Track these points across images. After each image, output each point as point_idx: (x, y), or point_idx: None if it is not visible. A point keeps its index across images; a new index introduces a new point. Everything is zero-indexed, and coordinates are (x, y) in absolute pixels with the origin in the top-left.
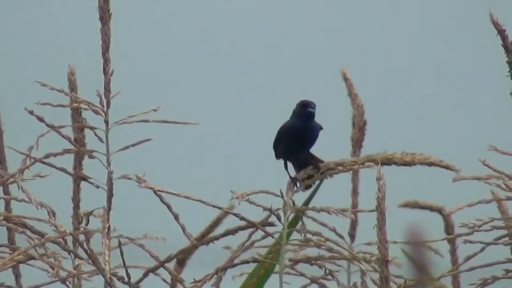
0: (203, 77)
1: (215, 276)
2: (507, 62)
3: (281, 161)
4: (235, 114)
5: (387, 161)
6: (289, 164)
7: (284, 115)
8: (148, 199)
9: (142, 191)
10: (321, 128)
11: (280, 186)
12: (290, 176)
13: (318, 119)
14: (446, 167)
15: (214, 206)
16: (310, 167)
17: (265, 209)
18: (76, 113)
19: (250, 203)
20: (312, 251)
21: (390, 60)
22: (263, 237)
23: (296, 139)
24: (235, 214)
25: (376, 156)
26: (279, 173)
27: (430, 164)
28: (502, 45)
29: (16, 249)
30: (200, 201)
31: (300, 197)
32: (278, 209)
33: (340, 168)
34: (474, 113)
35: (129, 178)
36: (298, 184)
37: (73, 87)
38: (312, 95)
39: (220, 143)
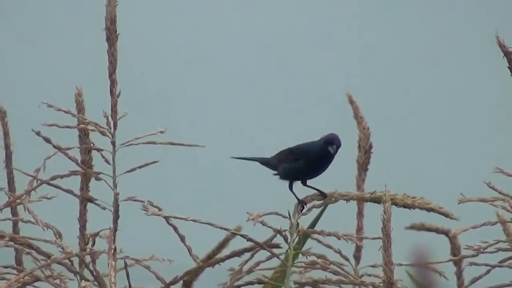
0: (210, 98)
1: None
2: None
3: (286, 182)
4: (241, 134)
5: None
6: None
7: (290, 136)
8: (155, 220)
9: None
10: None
11: (279, 207)
12: (297, 199)
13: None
14: (445, 215)
15: (222, 228)
16: (315, 193)
17: (274, 230)
18: (84, 135)
19: (263, 225)
20: (316, 274)
21: (394, 82)
22: (268, 258)
23: (310, 166)
24: (242, 235)
25: (380, 195)
26: (280, 193)
27: (430, 209)
28: (508, 67)
29: (22, 271)
30: (209, 224)
31: (306, 219)
32: (285, 230)
33: (344, 197)
34: (480, 135)
35: (136, 200)
36: (305, 206)
37: (80, 108)
38: (318, 117)
39: (226, 164)
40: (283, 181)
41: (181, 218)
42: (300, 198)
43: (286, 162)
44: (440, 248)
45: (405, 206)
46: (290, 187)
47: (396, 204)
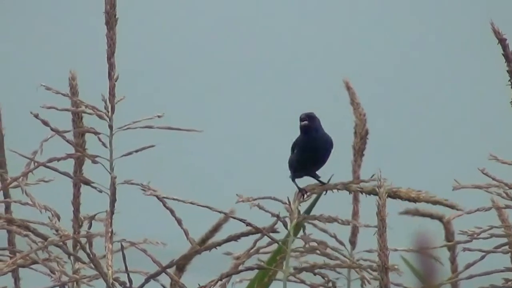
0: (209, 83)
1: (219, 282)
2: (507, 71)
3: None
4: (241, 121)
5: (392, 194)
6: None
7: (288, 123)
8: (149, 204)
9: (143, 196)
10: (331, 143)
11: (283, 194)
12: (298, 187)
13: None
14: (451, 206)
15: (220, 212)
16: (316, 183)
17: (273, 215)
18: (77, 118)
19: (260, 208)
20: (312, 257)
21: (391, 70)
22: (269, 244)
23: (303, 155)
24: (241, 220)
25: (382, 188)
26: (283, 181)
27: (435, 202)
28: (502, 54)
29: (16, 252)
30: (207, 207)
31: (302, 204)
32: (285, 216)
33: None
34: (475, 122)
35: (132, 183)
36: (305, 195)
37: (74, 92)
38: (315, 103)
39: (224, 150)
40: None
41: (179, 200)
42: (301, 187)
43: (290, 156)
44: (435, 234)
45: (410, 199)
46: (293, 178)
47: (400, 198)
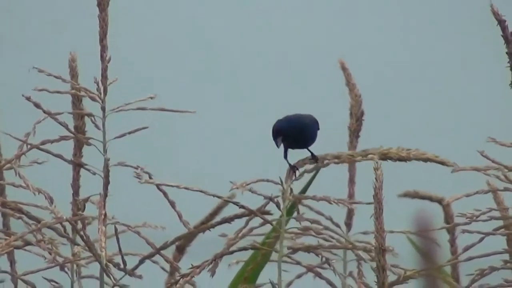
0: (202, 65)
1: (213, 262)
2: (507, 53)
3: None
4: (232, 102)
5: (383, 157)
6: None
7: (281, 104)
8: (147, 188)
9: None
10: (317, 124)
11: (275, 174)
12: (289, 164)
13: (316, 109)
14: (442, 163)
15: (213, 196)
16: (308, 157)
17: (265, 197)
18: (77, 100)
19: (252, 192)
20: (308, 240)
21: (389, 51)
22: (261, 224)
23: (292, 145)
24: (234, 203)
25: (372, 151)
26: (274, 161)
27: (426, 159)
28: (502, 35)
29: (11, 235)
30: (200, 191)
31: (296, 185)
32: (277, 196)
33: (337, 160)
34: (474, 104)
35: (126, 166)
36: (297, 172)
37: (74, 73)
38: (310, 84)
39: (217, 132)
40: (276, 149)
41: (173, 186)
42: (292, 164)
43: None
44: (434, 216)
45: (400, 159)
46: (285, 156)
47: (391, 158)
